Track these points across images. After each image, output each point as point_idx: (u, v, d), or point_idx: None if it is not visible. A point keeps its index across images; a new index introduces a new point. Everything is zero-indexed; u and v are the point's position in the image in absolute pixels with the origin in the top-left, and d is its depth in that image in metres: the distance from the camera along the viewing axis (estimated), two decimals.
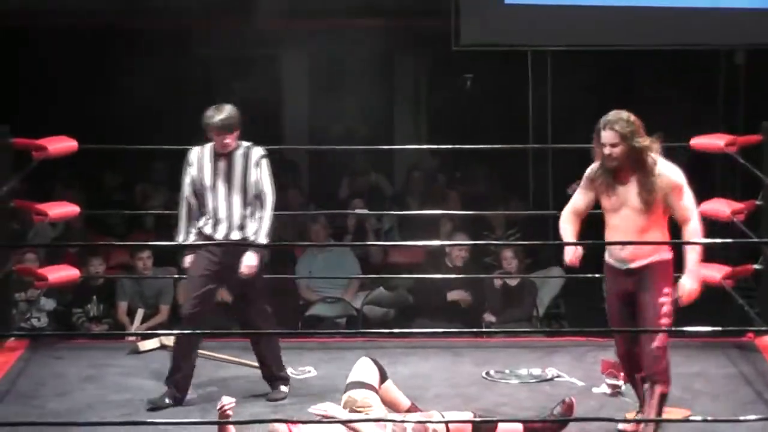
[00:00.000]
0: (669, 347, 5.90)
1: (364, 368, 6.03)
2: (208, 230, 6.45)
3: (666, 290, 5.81)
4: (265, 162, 6.46)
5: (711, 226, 7.79)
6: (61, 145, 7.47)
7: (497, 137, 9.01)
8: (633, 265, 5.83)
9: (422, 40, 12.10)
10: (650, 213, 5.78)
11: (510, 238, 10.13)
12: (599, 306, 9.01)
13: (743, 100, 11.50)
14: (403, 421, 5.74)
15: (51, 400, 6.53)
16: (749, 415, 5.96)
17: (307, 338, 7.97)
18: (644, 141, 5.78)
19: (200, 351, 7.24)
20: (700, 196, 7.64)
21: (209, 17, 11.33)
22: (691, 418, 6.14)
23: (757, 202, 7.48)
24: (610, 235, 5.91)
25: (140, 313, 9.10)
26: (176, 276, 9.00)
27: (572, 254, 5.95)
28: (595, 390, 6.67)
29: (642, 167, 5.78)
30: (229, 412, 5.55)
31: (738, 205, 7.45)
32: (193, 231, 6.49)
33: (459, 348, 7.56)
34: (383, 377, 6.05)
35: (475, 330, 8.92)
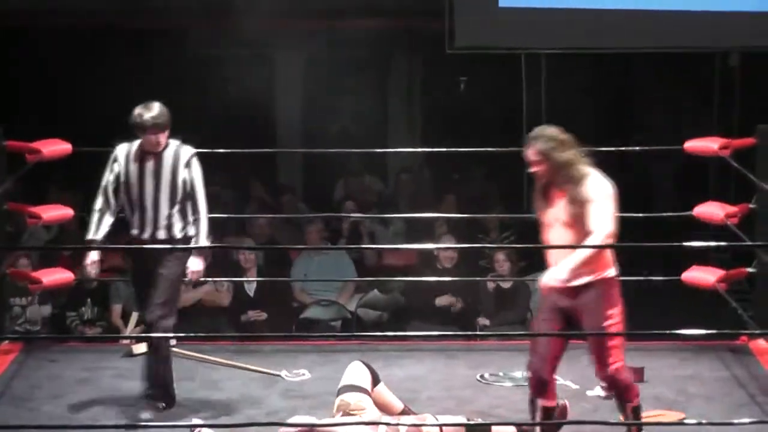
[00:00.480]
0: (627, 357, 5.79)
1: (356, 372, 6.03)
2: (134, 231, 6.32)
3: (610, 312, 5.69)
4: (195, 161, 6.35)
5: (704, 229, 7.83)
6: (55, 147, 7.46)
7: (492, 139, 9.01)
8: (573, 283, 5.68)
9: (417, 41, 12.10)
10: (582, 228, 5.64)
11: (504, 241, 10.13)
12: None
13: (738, 103, 11.51)
14: (397, 424, 5.74)
15: (45, 403, 6.53)
16: (743, 418, 5.96)
17: (302, 341, 7.97)
18: (566, 156, 5.68)
19: (193, 354, 7.27)
20: (694, 199, 7.69)
21: (207, 17, 11.32)
22: (685, 420, 6.15)
23: (751, 206, 7.47)
24: (547, 251, 5.85)
25: (134, 316, 9.09)
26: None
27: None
28: (589, 393, 6.68)
29: (571, 182, 5.68)
30: None
31: (732, 209, 7.44)
32: (105, 227, 6.31)
33: (453, 351, 7.56)
34: (375, 380, 6.05)
35: (469, 333, 8.92)
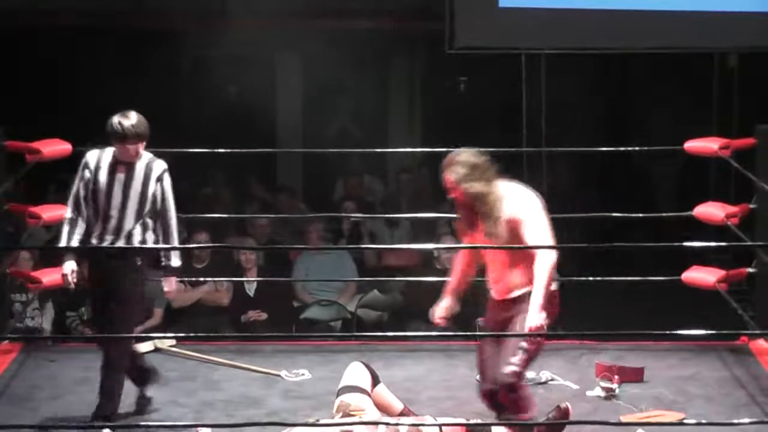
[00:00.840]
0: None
1: (356, 372, 6.02)
2: (94, 240, 6.16)
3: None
4: (167, 177, 6.20)
5: (705, 229, 7.83)
6: (55, 147, 7.46)
7: (492, 139, 9.01)
8: (508, 296, 5.71)
9: (417, 41, 12.10)
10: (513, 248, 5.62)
11: None
12: (593, 309, 9.06)
13: (736, 103, 11.52)
14: (397, 425, 5.73)
15: (44, 403, 6.53)
16: (743, 419, 5.96)
17: (302, 341, 7.97)
18: (478, 186, 5.61)
19: (194, 354, 7.27)
20: (694, 199, 7.70)
21: (208, 17, 11.33)
22: (685, 421, 6.14)
23: (751, 206, 7.48)
24: (487, 271, 5.82)
25: None
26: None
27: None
28: (589, 393, 6.68)
29: (484, 215, 5.62)
30: None
31: (732, 209, 7.45)
32: (77, 237, 6.16)
33: (453, 351, 7.56)
34: (375, 381, 6.05)
35: (468, 333, 8.91)
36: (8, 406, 6.48)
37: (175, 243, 6.26)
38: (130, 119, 6.11)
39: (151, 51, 11.48)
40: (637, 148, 10.61)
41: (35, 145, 7.41)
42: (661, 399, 6.58)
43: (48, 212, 7.53)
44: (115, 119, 6.12)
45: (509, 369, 5.64)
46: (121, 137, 6.09)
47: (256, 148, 9.45)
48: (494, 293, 5.83)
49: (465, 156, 5.70)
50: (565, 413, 5.95)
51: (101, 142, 6.27)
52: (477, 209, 5.66)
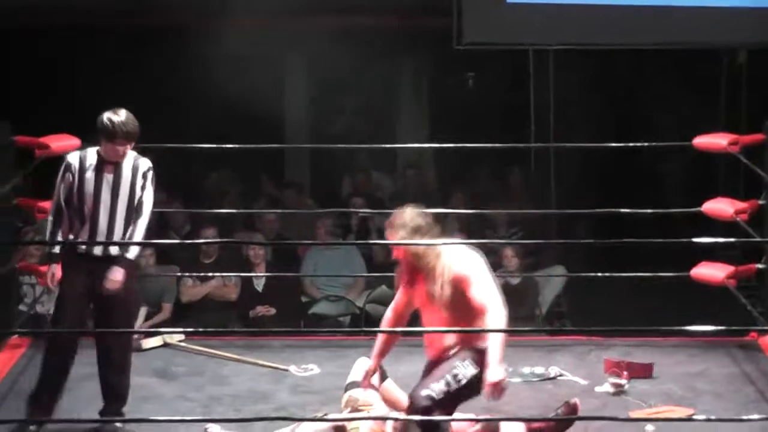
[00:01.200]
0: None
1: (364, 368, 6.02)
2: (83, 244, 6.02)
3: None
4: (151, 175, 6.06)
5: (714, 225, 7.82)
6: (64, 143, 7.47)
7: (500, 135, 9.01)
8: (443, 356, 5.68)
9: (425, 38, 12.09)
10: (454, 306, 5.60)
11: (512, 237, 10.10)
12: (601, 305, 9.05)
13: (745, 99, 11.50)
14: (405, 420, 5.73)
15: None
16: (752, 415, 5.96)
17: (310, 336, 7.97)
18: (418, 247, 5.54)
19: (202, 349, 7.28)
20: (703, 195, 7.69)
21: (216, 15, 11.33)
22: (694, 417, 6.14)
23: (761, 202, 7.47)
24: (424, 335, 5.81)
25: (143, 311, 9.10)
26: (179, 274, 9.02)
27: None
28: (597, 389, 6.68)
29: (426, 276, 5.60)
30: None
31: (741, 205, 7.44)
32: (60, 239, 6.03)
33: None
34: (383, 376, 6.05)
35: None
36: (16, 401, 6.47)
37: (140, 238, 6.02)
38: (120, 116, 5.99)
39: (160, 48, 11.48)
40: (645, 144, 10.59)
41: (44, 140, 7.42)
42: (670, 395, 6.57)
43: None
44: (106, 116, 5.99)
45: (425, 392, 5.58)
46: (111, 135, 5.97)
47: (265, 144, 9.45)
48: (428, 354, 5.80)
49: (408, 216, 5.64)
50: (573, 409, 5.96)
51: (92, 141, 6.19)
52: (419, 269, 5.63)
